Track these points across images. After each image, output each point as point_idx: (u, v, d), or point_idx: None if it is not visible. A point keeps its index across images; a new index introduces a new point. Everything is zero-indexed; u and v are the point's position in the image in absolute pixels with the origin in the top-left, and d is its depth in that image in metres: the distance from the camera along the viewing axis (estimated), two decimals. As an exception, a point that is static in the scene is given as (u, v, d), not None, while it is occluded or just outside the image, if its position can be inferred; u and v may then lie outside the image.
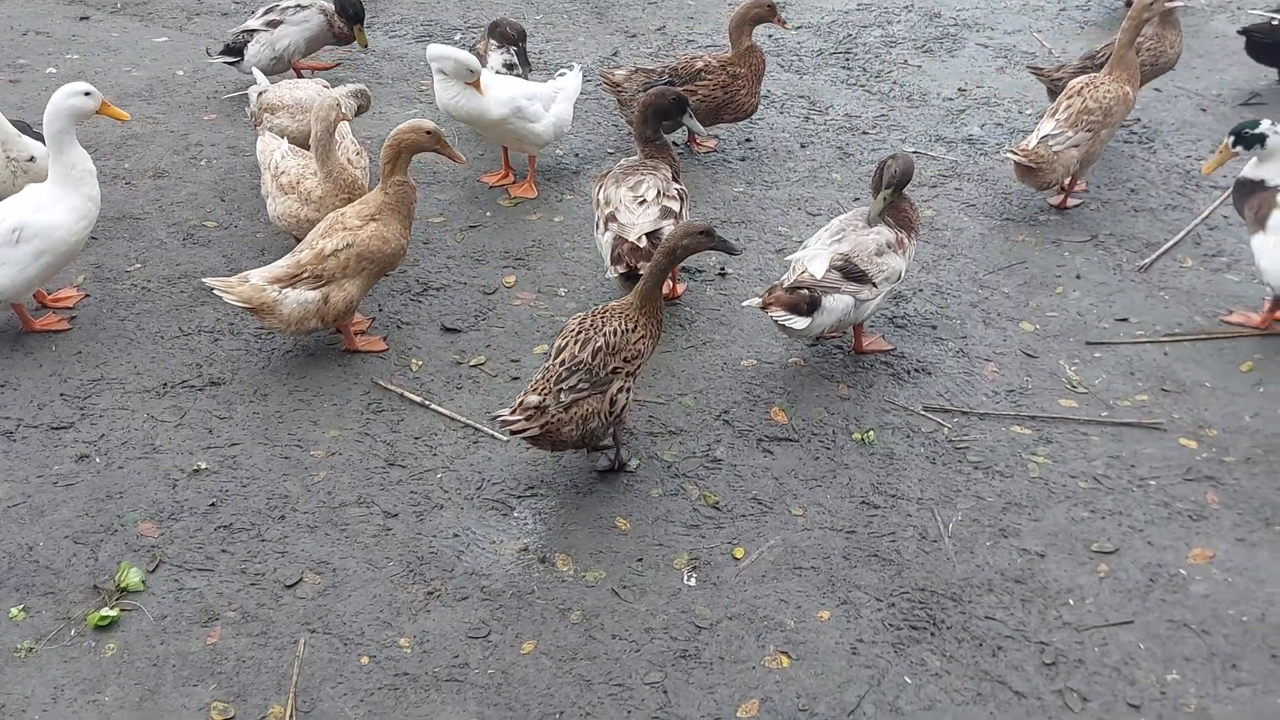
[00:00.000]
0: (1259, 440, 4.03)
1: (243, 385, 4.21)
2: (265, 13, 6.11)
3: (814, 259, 4.17)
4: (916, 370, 4.38)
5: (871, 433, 4.06)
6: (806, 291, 4.05)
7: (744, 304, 4.22)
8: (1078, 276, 4.92)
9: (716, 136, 6.07)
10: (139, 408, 4.08)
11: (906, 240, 4.32)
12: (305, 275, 4.12)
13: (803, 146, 6.01)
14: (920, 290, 4.85)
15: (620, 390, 3.69)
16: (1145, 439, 4.05)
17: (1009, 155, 5.15)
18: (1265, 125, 4.53)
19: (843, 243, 4.23)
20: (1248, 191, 4.61)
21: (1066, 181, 5.39)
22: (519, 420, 3.56)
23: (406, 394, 4.18)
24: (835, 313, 4.11)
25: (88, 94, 4.28)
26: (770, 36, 7.23)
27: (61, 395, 4.13)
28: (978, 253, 5.10)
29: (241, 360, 4.33)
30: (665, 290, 4.52)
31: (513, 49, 5.73)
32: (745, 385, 4.29)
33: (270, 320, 4.14)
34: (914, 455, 3.96)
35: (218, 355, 4.35)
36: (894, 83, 6.66)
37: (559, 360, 3.66)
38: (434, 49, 5.17)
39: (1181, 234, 5.24)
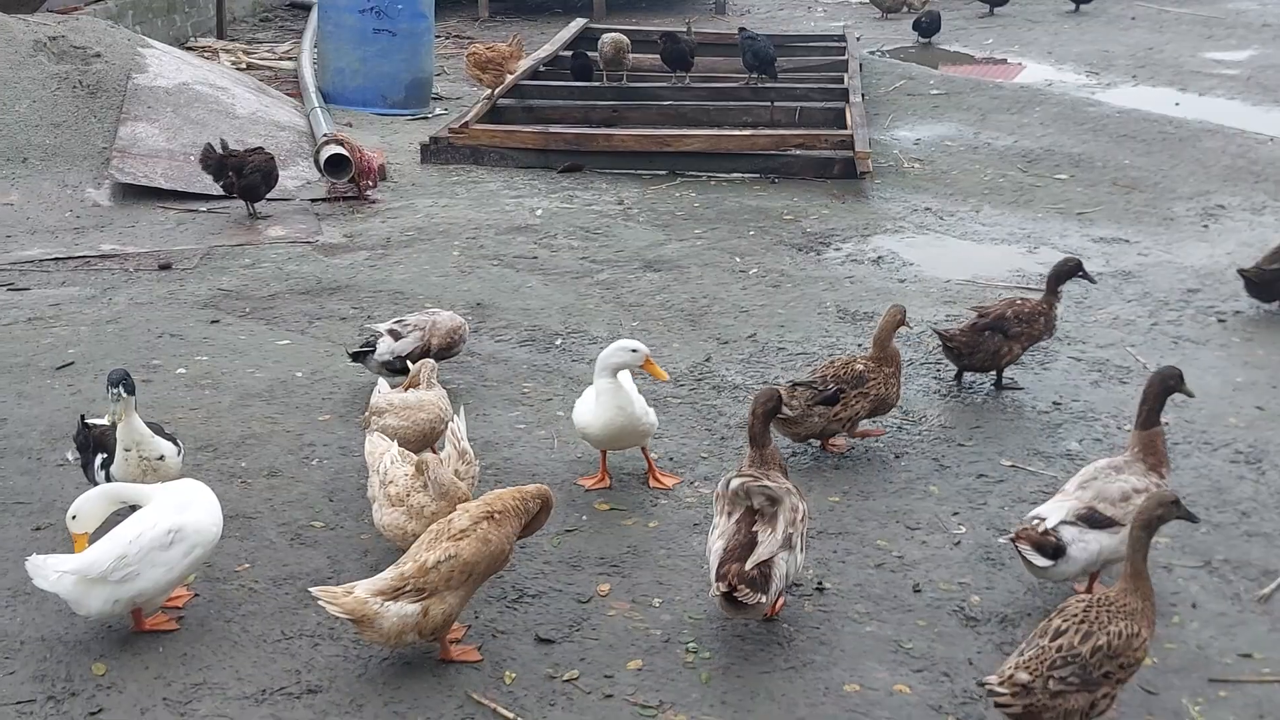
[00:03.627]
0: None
1: (339, 694, 4.19)
2: (394, 322, 6.54)
3: (1053, 510, 4.62)
4: (1028, 702, 4.19)
5: (984, 772, 3.86)
6: (1054, 538, 4.50)
7: (1000, 539, 4.43)
8: (1193, 605, 4.76)
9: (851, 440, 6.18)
10: (239, 715, 4.07)
11: (1158, 483, 4.65)
12: (408, 589, 4.18)
13: (897, 457, 6.05)
14: (1028, 615, 4.72)
15: (1104, 696, 3.81)
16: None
17: None
18: None
19: (1086, 490, 4.64)
20: None
21: None
22: (1005, 694, 3.71)
23: (500, 710, 4.12)
24: (1080, 561, 4.53)
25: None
26: (859, 345, 7.44)
27: (164, 700, 4.14)
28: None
29: (340, 667, 4.33)
30: (766, 610, 4.50)
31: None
32: (849, 713, 4.14)
33: (369, 634, 4.17)
34: (1030, 800, 3.74)
35: (317, 661, 4.36)
36: (987, 395, 6.75)
37: (1055, 644, 3.78)
38: (609, 353, 5.49)
39: (1298, 560, 5.08)
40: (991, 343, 6.60)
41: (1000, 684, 3.74)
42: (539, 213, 9.98)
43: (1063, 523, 4.56)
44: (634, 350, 5.41)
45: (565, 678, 4.31)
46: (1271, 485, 5.77)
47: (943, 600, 4.82)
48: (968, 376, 6.91)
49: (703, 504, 5.48)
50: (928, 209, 10.28)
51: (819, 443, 6.10)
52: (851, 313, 7.96)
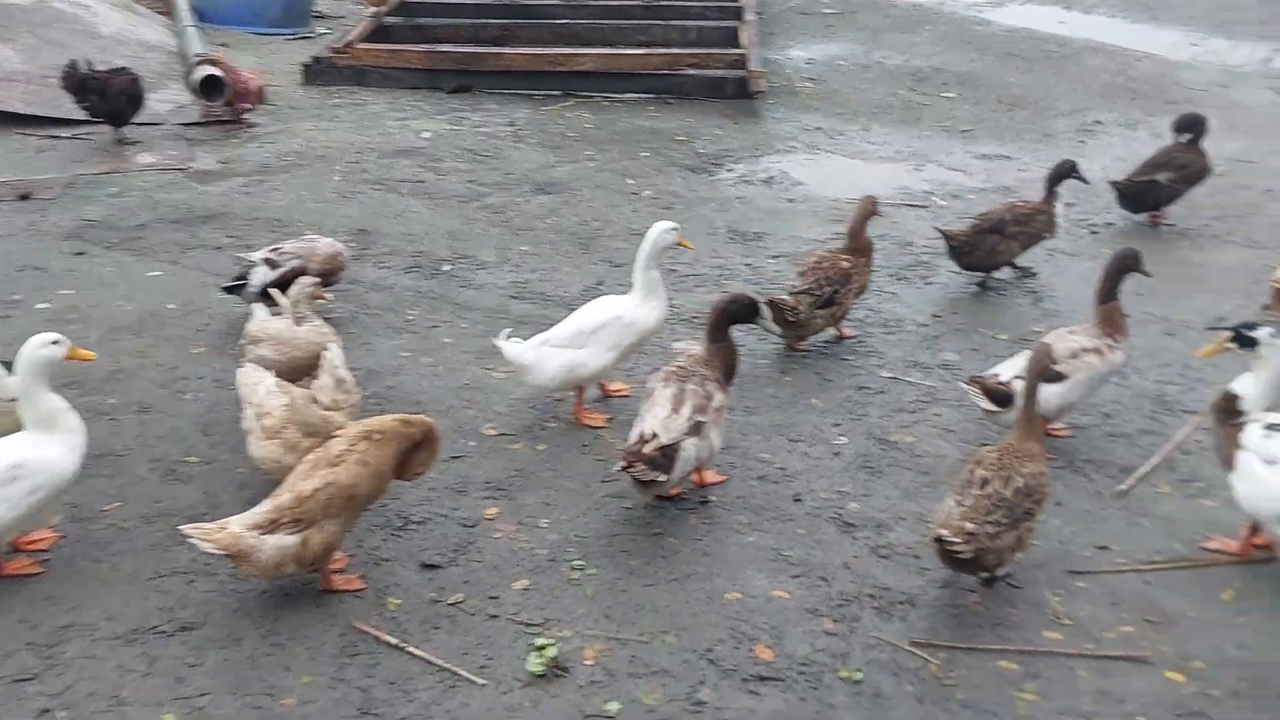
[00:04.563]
0: (1245, 673, 3.97)
1: (215, 630, 4.12)
2: (269, 250, 6.37)
3: (1008, 367, 5.25)
4: (902, 603, 4.33)
5: (859, 671, 3.98)
6: (1004, 387, 5.14)
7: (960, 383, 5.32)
8: (1058, 503, 4.94)
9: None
10: (108, 656, 3.99)
11: (1109, 344, 5.35)
12: (285, 520, 4.11)
13: (783, 373, 6.13)
14: (903, 519, 4.86)
15: (1026, 530, 4.26)
16: (1132, 673, 3.98)
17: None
18: (1262, 332, 4.66)
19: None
20: (1224, 413, 4.68)
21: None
22: (958, 543, 4.07)
23: (383, 636, 4.11)
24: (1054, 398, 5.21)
25: (55, 343, 4.38)
26: (748, 265, 7.47)
27: (28, 644, 4.03)
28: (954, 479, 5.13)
29: (215, 603, 4.26)
30: (694, 480, 4.94)
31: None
32: (730, 621, 4.22)
33: (246, 568, 4.10)
34: (902, 694, 3.88)
35: (192, 597, 4.28)
36: (869, 309, 6.85)
37: (985, 492, 4.20)
38: None
39: (1157, 457, 5.29)
40: (989, 241, 7.01)
41: (953, 535, 4.07)
42: (425, 135, 9.77)
43: (1016, 377, 5.10)
44: (673, 228, 5.55)
45: (450, 601, 4.31)
46: (1134, 388, 5.98)
47: (822, 508, 4.93)
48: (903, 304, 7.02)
49: (594, 429, 5.50)
50: (819, 128, 10.32)
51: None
52: (741, 233, 7.99)
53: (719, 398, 4.88)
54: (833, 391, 5.93)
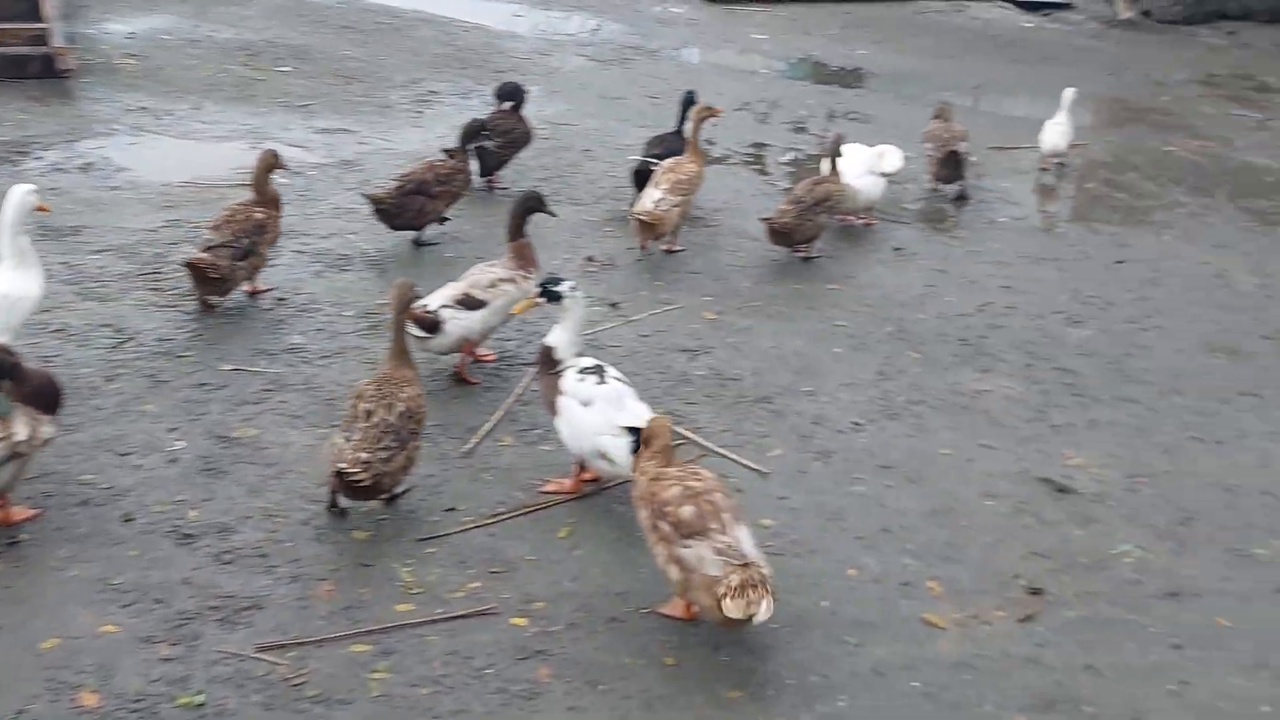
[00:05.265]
0: (579, 604, 4.28)
1: None
2: None
3: (437, 297, 5.64)
4: (248, 608, 4.11)
5: (200, 694, 3.69)
6: (432, 316, 5.54)
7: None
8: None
9: None
10: None
11: (524, 274, 5.87)
12: None
13: (108, 380, 5.55)
14: (249, 518, 4.61)
15: (414, 448, 4.60)
16: (480, 628, 4.12)
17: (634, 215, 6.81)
18: (564, 285, 5.00)
19: (464, 280, 5.80)
20: (545, 364, 5.01)
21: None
22: (358, 472, 4.30)
23: None
24: (454, 334, 5.66)
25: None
26: (65, 264, 6.68)
27: None
28: (306, 466, 4.98)
29: None
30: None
31: None
32: (47, 672, 3.72)
33: None
34: (249, 706, 3.67)
35: None
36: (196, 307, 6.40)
37: (373, 422, 4.46)
38: None
39: (499, 412, 5.54)
40: (416, 202, 7.21)
41: (351, 467, 4.31)
42: None
43: (443, 306, 5.58)
44: (34, 190, 5.45)
45: None
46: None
47: (157, 524, 4.52)
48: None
49: None
50: (143, 108, 9.51)
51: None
52: (56, 228, 7.11)
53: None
54: (167, 393, 5.48)
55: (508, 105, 8.61)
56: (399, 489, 4.68)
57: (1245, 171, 9.93)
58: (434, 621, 4.10)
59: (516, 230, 6.04)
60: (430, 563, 4.43)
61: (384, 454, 4.42)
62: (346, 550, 4.45)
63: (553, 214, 6.35)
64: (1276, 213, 9.08)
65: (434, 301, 5.63)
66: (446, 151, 7.73)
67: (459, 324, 5.66)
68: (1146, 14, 15.29)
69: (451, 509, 4.77)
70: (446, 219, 7.62)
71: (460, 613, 4.16)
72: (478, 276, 5.83)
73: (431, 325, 5.56)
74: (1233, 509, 5.33)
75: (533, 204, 6.11)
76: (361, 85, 10.67)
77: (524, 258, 5.99)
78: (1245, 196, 9.35)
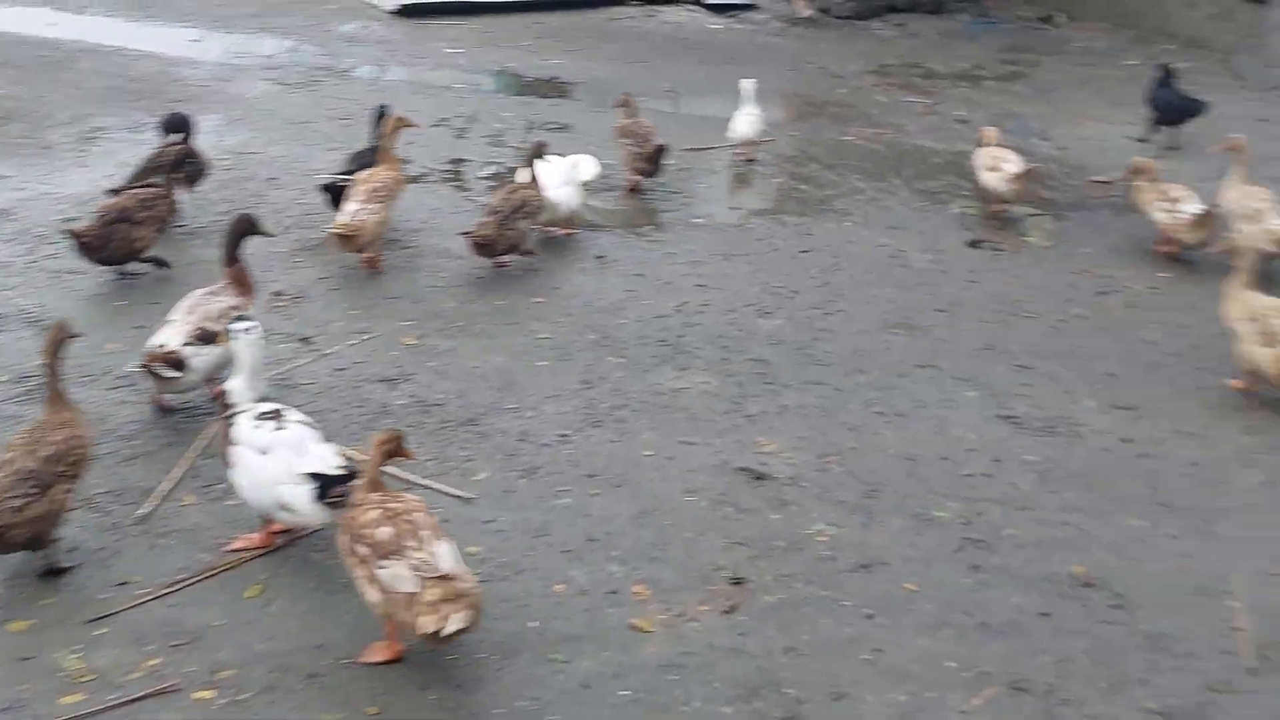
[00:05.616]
0: (274, 665, 4.06)
1: None
2: None
3: (171, 335, 5.46)
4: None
5: None
6: (177, 356, 5.36)
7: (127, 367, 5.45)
8: (73, 549, 4.57)
9: None
10: None
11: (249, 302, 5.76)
12: None
13: None
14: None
15: (65, 493, 4.41)
16: (160, 708, 3.83)
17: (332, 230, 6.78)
18: (235, 326, 4.75)
19: (194, 314, 5.59)
20: (223, 411, 4.74)
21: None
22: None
23: None
24: (201, 370, 5.50)
25: None
26: None
27: None
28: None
29: None
30: None
31: None
32: None
33: None
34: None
35: None
36: None
37: (8, 471, 4.29)
38: None
39: (177, 470, 5.19)
40: (120, 230, 6.81)
41: None
42: None
43: (184, 344, 5.43)
44: None
45: None
46: (145, 407, 5.78)
47: None
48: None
49: None
50: None
51: None
52: None
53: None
54: None
55: (176, 138, 8.12)
56: (51, 547, 4.45)
57: (916, 155, 10.61)
58: (106, 710, 3.78)
59: (231, 255, 5.88)
60: (101, 645, 4.08)
61: (16, 501, 4.24)
62: (1, 645, 4.03)
63: (270, 234, 6.34)
64: (946, 192, 9.75)
65: (172, 340, 5.47)
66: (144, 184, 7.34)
67: (204, 359, 5.51)
68: (825, 10, 16.14)
69: (124, 582, 4.42)
70: (166, 264, 7.14)
71: (136, 695, 3.85)
72: (207, 307, 5.63)
73: (178, 364, 5.41)
74: (914, 476, 5.65)
75: (246, 226, 5.99)
76: (19, 125, 9.84)
77: (242, 283, 5.86)
78: (918, 179, 9.99)
